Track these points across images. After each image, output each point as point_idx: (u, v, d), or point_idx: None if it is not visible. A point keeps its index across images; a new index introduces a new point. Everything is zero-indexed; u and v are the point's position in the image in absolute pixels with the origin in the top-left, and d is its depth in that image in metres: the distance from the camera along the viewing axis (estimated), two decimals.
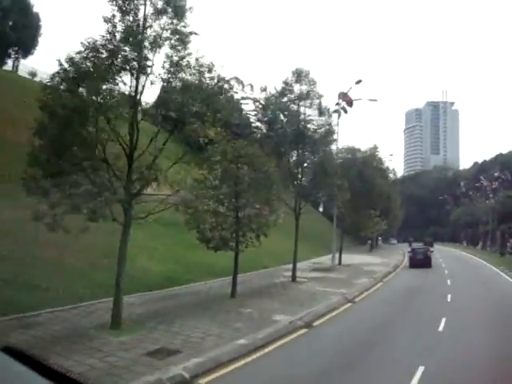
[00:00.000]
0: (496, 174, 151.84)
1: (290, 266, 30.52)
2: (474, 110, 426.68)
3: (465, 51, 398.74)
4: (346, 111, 40.59)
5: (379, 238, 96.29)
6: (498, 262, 50.71)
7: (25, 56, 64.53)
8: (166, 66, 15.06)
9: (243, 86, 37.62)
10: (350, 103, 40.41)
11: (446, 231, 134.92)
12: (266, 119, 40.00)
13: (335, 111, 37.42)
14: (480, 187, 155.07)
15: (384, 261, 50.27)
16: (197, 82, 15.23)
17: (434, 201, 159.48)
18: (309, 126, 31.65)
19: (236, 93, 26.08)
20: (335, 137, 36.71)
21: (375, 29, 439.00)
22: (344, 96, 40.28)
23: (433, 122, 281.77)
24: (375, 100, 55.05)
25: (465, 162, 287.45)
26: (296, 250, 30.11)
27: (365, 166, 47.59)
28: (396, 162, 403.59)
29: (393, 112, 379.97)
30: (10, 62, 62.30)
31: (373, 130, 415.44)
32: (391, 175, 70.85)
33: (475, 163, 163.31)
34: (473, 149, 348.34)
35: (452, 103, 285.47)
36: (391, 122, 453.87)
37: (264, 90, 41.33)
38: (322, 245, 52.93)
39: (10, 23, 57.78)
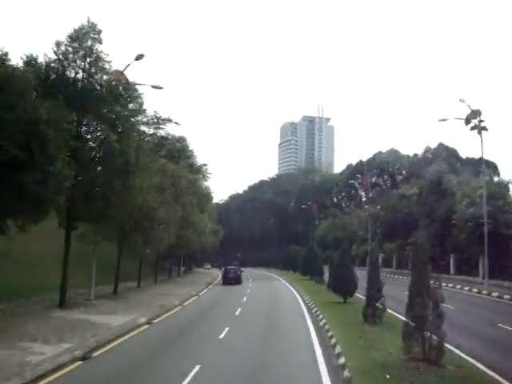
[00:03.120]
0: (373, 180, 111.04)
1: None
2: (350, 128, 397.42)
3: (338, 64, 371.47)
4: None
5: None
6: None
7: None
8: None
9: None
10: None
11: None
12: None
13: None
14: (354, 195, 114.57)
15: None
16: None
17: (299, 212, 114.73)
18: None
19: None
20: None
21: (254, 36, 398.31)
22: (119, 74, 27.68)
23: (308, 137, 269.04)
24: (160, 88, 29.09)
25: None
26: None
27: None
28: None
29: (267, 126, 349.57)
30: None
31: (244, 144, 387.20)
32: None
33: (349, 165, 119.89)
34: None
35: (328, 119, 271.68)
36: (265, 137, 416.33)
37: None
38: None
39: None
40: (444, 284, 40.42)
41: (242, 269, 59.65)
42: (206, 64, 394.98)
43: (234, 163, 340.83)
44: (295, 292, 39.46)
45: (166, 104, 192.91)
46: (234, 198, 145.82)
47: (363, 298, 29.57)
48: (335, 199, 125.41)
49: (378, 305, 20.38)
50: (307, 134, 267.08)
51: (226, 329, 20.04)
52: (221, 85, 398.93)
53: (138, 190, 26.09)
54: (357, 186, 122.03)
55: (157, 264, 44.64)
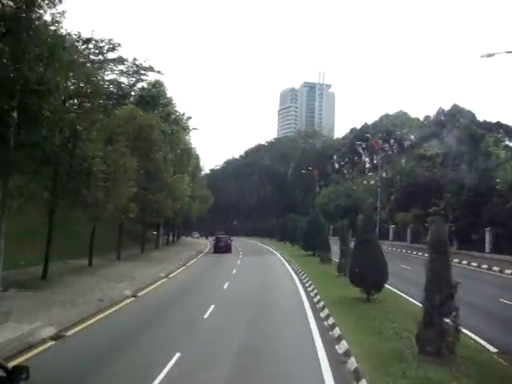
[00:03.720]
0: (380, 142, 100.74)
1: None
2: (352, 96, 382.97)
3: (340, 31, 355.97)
4: None
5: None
6: None
7: None
8: None
9: None
10: None
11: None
12: None
13: None
14: (357, 162, 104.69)
15: None
16: None
17: (299, 179, 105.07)
18: None
19: None
20: None
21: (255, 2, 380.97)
22: None
23: (309, 104, 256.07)
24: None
25: None
26: None
27: None
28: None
29: (268, 93, 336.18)
30: None
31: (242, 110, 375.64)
32: None
33: (352, 129, 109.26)
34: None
35: (329, 85, 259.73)
36: (266, 104, 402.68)
37: None
38: None
39: None
40: (475, 264, 31.74)
41: (232, 238, 59.27)
42: (205, 26, 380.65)
43: (232, 130, 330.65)
44: (295, 276, 29.02)
45: (163, 64, 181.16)
46: (229, 164, 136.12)
47: (397, 292, 20.51)
48: (337, 165, 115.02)
49: (447, 324, 10.66)
50: (307, 101, 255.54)
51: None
52: (220, 48, 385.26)
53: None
54: (360, 151, 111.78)
55: (121, 233, 34.54)
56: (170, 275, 29.48)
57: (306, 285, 24.36)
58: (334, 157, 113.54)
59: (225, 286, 24.01)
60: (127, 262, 34.00)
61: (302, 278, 27.43)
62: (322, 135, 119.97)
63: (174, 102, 43.50)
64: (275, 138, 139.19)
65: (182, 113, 45.08)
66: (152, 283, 25.07)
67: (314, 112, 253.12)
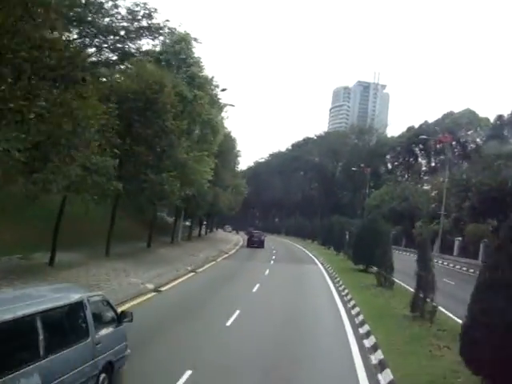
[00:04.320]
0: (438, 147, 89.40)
1: None
2: (407, 98, 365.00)
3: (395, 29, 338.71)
4: None
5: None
6: None
7: None
8: None
9: None
10: None
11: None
12: None
13: None
14: (412, 164, 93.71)
15: None
16: None
17: (348, 178, 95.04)
18: None
19: None
20: None
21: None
22: None
23: (362, 103, 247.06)
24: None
25: None
26: None
27: None
28: None
29: (320, 90, 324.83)
30: None
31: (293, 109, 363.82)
32: None
33: (410, 128, 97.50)
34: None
35: (384, 86, 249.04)
36: (317, 100, 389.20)
37: None
38: None
39: None
40: None
41: (265, 234, 61.20)
42: (265, 20, 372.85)
43: (281, 126, 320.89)
44: (341, 309, 18.47)
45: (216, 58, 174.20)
46: (275, 157, 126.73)
47: None
48: (390, 166, 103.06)
49: None
50: (361, 100, 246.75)
51: None
52: (275, 46, 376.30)
53: None
54: (417, 152, 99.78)
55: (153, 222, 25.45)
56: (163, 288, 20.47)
57: (361, 330, 14.63)
58: (388, 156, 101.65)
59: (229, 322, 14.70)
60: (116, 260, 25.02)
61: (353, 312, 17.65)
62: (377, 130, 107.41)
63: (202, 64, 34.32)
64: (325, 132, 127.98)
65: (211, 77, 35.89)
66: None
67: (367, 112, 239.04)
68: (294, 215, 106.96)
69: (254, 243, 53.23)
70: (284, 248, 57.98)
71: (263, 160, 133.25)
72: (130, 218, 36.29)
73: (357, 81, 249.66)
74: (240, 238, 69.66)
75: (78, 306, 7.27)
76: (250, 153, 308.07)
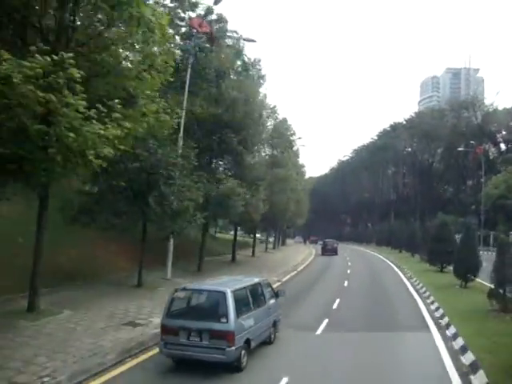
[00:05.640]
0: None
1: None
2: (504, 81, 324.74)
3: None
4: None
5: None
6: None
7: None
8: None
9: None
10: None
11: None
12: None
13: None
14: None
15: None
16: None
17: (449, 166, 74.87)
18: None
19: None
20: None
21: None
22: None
23: (453, 91, 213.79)
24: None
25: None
26: None
27: None
28: None
29: (407, 82, 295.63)
30: None
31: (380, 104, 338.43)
32: None
33: None
34: None
35: (476, 70, 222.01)
36: (404, 94, 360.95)
37: None
38: None
39: None
40: None
41: (337, 242, 64.37)
42: (339, 21, 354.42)
43: (370, 127, 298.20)
44: None
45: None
46: (358, 152, 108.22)
47: None
48: (503, 146, 79.42)
49: None
50: (451, 89, 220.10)
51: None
52: (358, 37, 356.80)
53: None
54: None
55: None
56: None
57: None
58: (499, 134, 78.02)
59: None
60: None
61: None
62: (484, 104, 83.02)
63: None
64: (415, 112, 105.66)
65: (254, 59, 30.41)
66: None
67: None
68: (388, 218, 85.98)
69: (328, 251, 56.91)
70: (364, 271, 38.78)
71: (347, 158, 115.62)
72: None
73: (445, 68, 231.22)
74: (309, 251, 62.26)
75: (259, 285, 12.95)
76: (330, 155, 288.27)
